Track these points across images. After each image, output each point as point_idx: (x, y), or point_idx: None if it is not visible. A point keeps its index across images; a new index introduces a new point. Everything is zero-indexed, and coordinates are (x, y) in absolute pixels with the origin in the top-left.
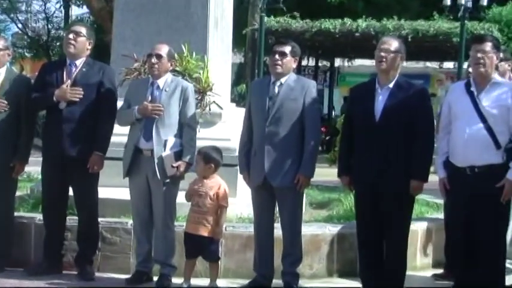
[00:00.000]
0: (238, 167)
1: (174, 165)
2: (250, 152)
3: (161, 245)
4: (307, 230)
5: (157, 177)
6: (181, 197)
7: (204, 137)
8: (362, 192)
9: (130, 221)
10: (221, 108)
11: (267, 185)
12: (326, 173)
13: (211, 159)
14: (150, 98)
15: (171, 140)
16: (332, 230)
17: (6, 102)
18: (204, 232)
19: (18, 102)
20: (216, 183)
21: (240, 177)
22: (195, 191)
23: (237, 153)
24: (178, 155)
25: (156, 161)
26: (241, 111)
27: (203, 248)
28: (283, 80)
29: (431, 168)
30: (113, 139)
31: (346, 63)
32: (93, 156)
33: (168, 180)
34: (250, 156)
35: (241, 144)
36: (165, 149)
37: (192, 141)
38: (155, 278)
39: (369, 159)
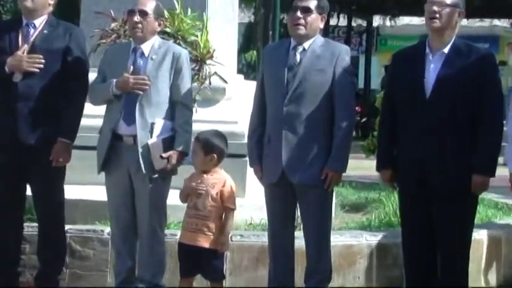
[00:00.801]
0: (247, 158)
1: (164, 155)
2: (263, 138)
3: (147, 260)
4: (338, 239)
5: (142, 171)
6: (174, 198)
7: (203, 119)
8: (408, 189)
9: (108, 229)
10: (225, 81)
11: (285, 181)
12: (362, 166)
13: (213, 148)
14: (131, 68)
15: (160, 123)
16: (370, 239)
17: None
18: (205, 243)
19: None
20: (219, 179)
21: (250, 171)
22: (192, 189)
23: (246, 140)
24: (169, 143)
25: (140, 150)
26: (252, 86)
27: (203, 263)
28: (306, 44)
29: (500, 159)
30: (84, 122)
31: (387, 22)
32: (57, 144)
33: (156, 176)
34: (263, 145)
35: (251, 129)
36: (151, 135)
37: (187, 125)
38: None
39: (417, 146)
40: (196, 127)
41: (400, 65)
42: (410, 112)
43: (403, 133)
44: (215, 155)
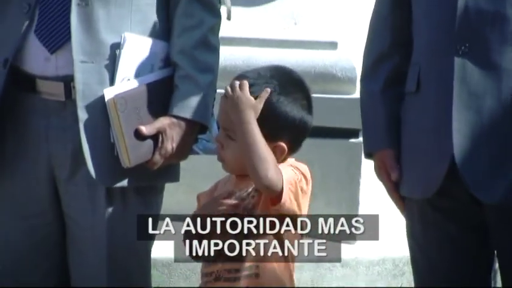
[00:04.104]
0: (361, 139)
1: (146, 130)
2: (402, 84)
3: None
4: None
5: (89, 172)
6: (170, 245)
7: (250, 37)
8: None
9: None
10: None
11: (458, 193)
12: None
13: (278, 118)
14: None
15: (136, 45)
16: None
17: None
18: None
19: None
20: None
21: (367, 169)
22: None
23: (356, 93)
24: (159, 97)
25: (83, 116)
26: None
27: None
28: None
29: None
30: None
31: None
32: None
33: (124, 184)
34: (404, 99)
35: (369, 57)
36: (114, 77)
37: (204, 50)
38: None
39: None
40: (230, 57)
41: None
42: None
43: None
44: (281, 140)
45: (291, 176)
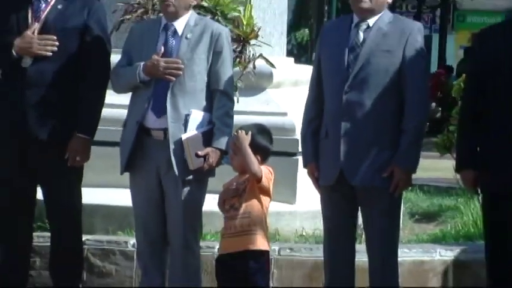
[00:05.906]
0: (299, 158)
1: (200, 153)
2: (319, 133)
3: (180, 277)
4: (407, 255)
5: (174, 172)
6: (210, 203)
7: (246, 110)
8: (499, 196)
9: (133, 240)
10: (272, 65)
11: (344, 184)
12: (436, 167)
13: (256, 147)
14: (162, 49)
15: (195, 115)
16: (445, 255)
17: None
18: (252, 244)
19: None
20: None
21: (301, 173)
22: (229, 192)
23: (297, 135)
24: (206, 138)
25: (172, 146)
26: (302, 70)
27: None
28: (371, 21)
29: None
30: (105, 113)
31: None
32: (74, 139)
33: (190, 177)
34: (320, 140)
35: (305, 120)
36: (186, 129)
37: (227, 117)
38: None
39: None
40: (238, 119)
41: (488, 46)
42: (507, 104)
43: (496, 142)
44: (258, 156)
45: (265, 171)
